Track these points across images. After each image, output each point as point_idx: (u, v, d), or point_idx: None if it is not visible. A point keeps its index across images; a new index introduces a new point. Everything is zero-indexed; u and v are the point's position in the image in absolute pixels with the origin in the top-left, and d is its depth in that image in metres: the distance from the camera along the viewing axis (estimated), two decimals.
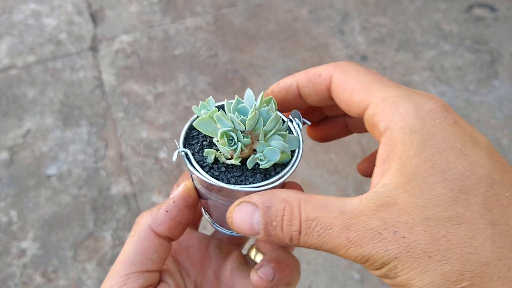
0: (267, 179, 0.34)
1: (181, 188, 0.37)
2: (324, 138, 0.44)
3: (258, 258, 0.44)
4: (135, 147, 1.42)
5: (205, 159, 0.35)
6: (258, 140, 0.35)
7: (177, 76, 1.60)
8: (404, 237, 0.25)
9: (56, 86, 1.56)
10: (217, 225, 0.43)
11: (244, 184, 0.33)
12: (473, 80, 1.63)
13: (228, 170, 0.34)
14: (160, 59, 1.65)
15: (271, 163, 0.34)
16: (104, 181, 1.35)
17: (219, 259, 0.44)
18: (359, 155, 1.43)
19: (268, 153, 0.33)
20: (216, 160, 0.35)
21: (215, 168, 0.34)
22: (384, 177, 0.28)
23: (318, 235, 0.28)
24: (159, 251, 0.36)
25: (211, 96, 0.37)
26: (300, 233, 0.28)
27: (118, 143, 1.43)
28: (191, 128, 0.38)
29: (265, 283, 0.39)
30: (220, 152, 0.35)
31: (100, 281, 1.19)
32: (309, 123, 0.38)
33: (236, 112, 0.34)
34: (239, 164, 0.34)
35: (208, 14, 1.79)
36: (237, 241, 0.46)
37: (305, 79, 0.35)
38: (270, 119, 0.33)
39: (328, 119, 0.43)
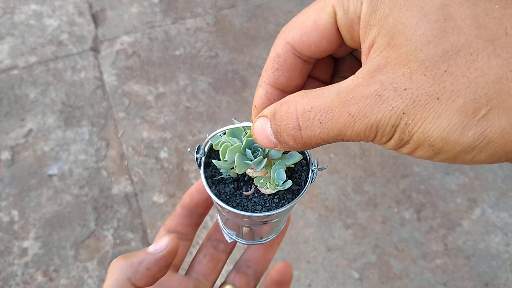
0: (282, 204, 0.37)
1: (164, 245, 0.37)
2: None
3: None
4: (136, 147, 1.43)
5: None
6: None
7: (177, 76, 1.61)
8: (405, 89, 0.23)
9: (57, 86, 1.57)
10: (235, 236, 0.45)
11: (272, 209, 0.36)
12: None
13: (248, 198, 0.37)
14: (160, 59, 1.66)
15: (283, 183, 0.36)
16: (105, 181, 1.36)
17: None
18: (358, 155, 1.44)
19: (278, 176, 0.36)
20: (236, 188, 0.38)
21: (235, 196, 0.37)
22: (371, 50, 0.26)
23: (320, 122, 0.26)
24: None
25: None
26: (300, 129, 0.27)
27: (119, 143, 1.44)
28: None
29: None
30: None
31: (101, 280, 1.19)
32: (326, 167, 0.39)
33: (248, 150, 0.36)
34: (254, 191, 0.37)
35: (209, 15, 1.80)
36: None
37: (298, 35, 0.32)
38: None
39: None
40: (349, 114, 0.25)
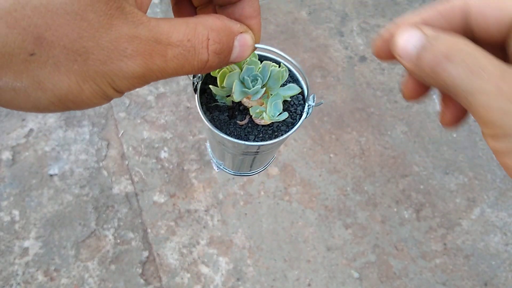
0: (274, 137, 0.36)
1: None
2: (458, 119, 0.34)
3: None
4: (137, 147, 1.44)
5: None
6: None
7: (177, 76, 1.61)
8: None
9: None
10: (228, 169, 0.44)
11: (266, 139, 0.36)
12: None
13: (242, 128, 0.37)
14: None
15: (279, 114, 0.35)
16: (105, 181, 1.36)
17: None
18: (357, 155, 1.44)
19: (275, 107, 0.35)
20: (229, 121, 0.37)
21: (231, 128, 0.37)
22: None
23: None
24: None
25: None
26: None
27: (120, 143, 1.44)
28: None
29: None
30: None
31: (102, 279, 1.20)
32: (323, 101, 0.38)
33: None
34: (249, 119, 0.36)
35: None
36: None
37: (435, 13, 0.29)
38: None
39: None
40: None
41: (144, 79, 0.24)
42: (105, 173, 1.38)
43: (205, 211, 1.31)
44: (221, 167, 0.44)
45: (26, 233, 1.26)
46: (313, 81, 1.62)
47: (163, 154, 1.42)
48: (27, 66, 0.20)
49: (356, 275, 1.23)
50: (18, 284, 1.18)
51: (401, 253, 1.26)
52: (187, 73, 0.26)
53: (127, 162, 1.40)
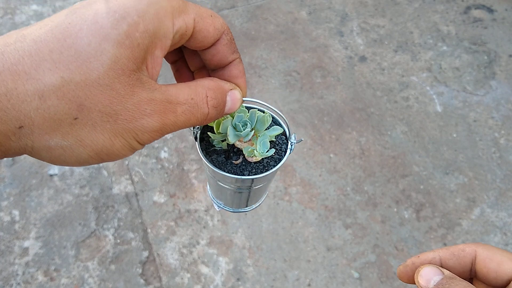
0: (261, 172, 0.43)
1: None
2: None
3: None
4: None
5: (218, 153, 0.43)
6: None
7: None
8: None
9: None
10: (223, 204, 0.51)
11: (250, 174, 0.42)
12: (470, 80, 1.65)
13: (236, 166, 0.43)
14: None
15: (267, 151, 0.42)
16: (105, 181, 1.36)
17: None
18: (357, 155, 1.44)
19: (263, 145, 0.42)
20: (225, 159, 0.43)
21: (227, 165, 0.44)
22: None
23: None
24: None
25: None
26: None
27: None
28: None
29: None
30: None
31: (102, 279, 1.20)
32: (302, 139, 0.46)
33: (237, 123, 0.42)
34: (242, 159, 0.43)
35: None
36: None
37: (448, 254, 0.39)
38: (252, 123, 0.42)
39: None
40: None
41: (160, 132, 0.29)
42: (105, 173, 1.38)
43: (205, 211, 1.31)
44: (221, 206, 0.51)
45: (26, 233, 1.26)
46: (313, 81, 1.62)
47: (163, 154, 1.42)
48: (72, 128, 0.26)
49: (356, 275, 1.23)
50: (18, 284, 1.18)
51: (401, 253, 1.27)
52: (193, 125, 0.32)
53: (127, 162, 1.40)
